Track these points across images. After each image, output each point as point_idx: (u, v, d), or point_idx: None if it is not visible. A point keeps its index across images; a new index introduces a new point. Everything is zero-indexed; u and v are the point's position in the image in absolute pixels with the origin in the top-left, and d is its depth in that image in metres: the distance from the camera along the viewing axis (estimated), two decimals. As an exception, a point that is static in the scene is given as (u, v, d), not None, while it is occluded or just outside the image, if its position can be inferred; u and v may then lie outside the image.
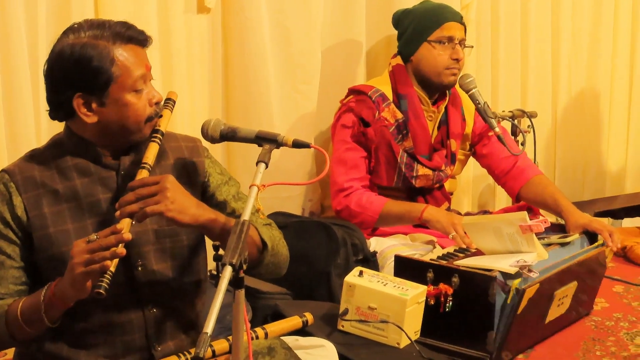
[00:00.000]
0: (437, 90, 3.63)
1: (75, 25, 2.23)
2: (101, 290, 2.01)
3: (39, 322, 2.14)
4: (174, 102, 2.39)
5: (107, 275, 2.03)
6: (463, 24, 3.62)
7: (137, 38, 2.24)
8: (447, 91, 3.67)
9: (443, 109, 3.68)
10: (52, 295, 2.11)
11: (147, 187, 2.17)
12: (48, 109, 2.27)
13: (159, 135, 2.29)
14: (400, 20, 3.69)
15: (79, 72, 2.16)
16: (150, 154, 2.26)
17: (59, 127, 2.41)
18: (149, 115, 2.27)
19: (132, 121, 2.24)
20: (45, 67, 2.23)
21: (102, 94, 2.19)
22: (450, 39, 3.54)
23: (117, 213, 2.13)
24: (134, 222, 2.14)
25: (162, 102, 2.33)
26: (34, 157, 2.31)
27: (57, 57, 2.19)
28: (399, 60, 3.66)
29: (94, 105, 2.20)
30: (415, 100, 3.59)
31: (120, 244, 2.05)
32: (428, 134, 3.63)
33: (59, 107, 2.24)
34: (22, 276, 2.25)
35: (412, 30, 3.59)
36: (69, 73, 2.17)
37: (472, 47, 3.80)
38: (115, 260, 2.05)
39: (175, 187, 2.20)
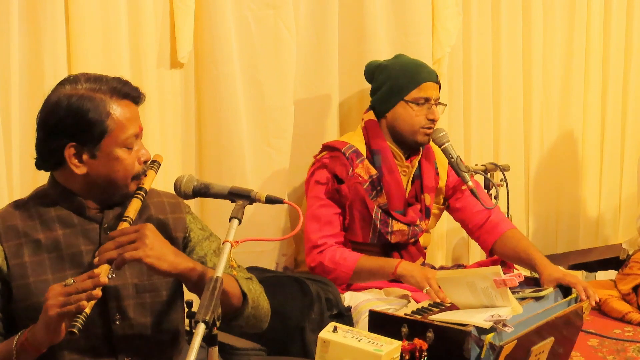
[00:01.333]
0: (410, 147, 3.64)
1: (72, 77, 2.26)
2: (74, 330, 2.01)
3: (9, 368, 2.12)
4: (159, 164, 2.41)
5: (81, 316, 2.02)
6: (438, 82, 3.63)
7: (132, 95, 2.28)
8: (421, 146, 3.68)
9: (417, 164, 3.68)
10: (25, 340, 2.10)
11: (127, 235, 2.18)
12: (35, 157, 2.28)
13: (142, 193, 2.32)
14: (375, 74, 3.69)
15: (74, 122, 2.19)
16: (132, 208, 2.28)
17: (31, 183, 2.40)
18: (136, 172, 2.30)
19: (120, 176, 2.27)
20: (39, 115, 2.25)
21: (94, 146, 2.21)
22: (427, 100, 3.56)
23: (96, 260, 2.14)
24: (112, 271, 2.13)
25: (149, 162, 2.35)
26: (18, 206, 2.33)
27: (53, 107, 2.21)
28: (371, 115, 3.66)
29: (84, 157, 2.22)
30: (388, 155, 3.59)
31: (97, 288, 2.04)
32: (402, 189, 3.62)
33: (48, 156, 2.25)
34: (-3, 326, 2.23)
35: (388, 88, 3.59)
36: (64, 123, 2.19)
37: (446, 105, 3.80)
38: (92, 303, 2.04)
39: (155, 234, 2.21)
